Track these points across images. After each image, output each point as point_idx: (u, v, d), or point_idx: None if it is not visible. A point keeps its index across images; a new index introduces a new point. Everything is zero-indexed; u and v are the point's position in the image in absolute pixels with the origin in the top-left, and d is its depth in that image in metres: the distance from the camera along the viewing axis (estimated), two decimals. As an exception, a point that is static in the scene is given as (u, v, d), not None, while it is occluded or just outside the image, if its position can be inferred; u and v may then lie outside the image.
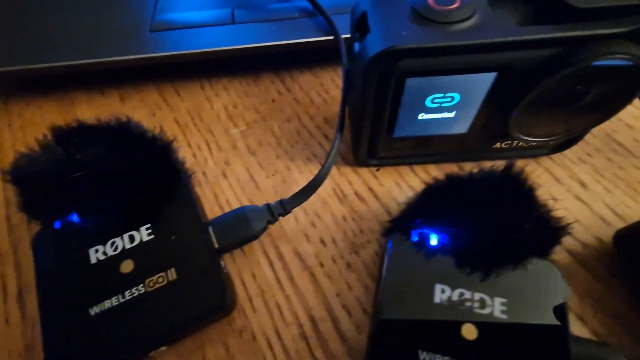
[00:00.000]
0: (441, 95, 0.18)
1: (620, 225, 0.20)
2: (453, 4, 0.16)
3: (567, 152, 0.23)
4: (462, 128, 0.20)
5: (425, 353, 0.14)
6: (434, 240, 0.16)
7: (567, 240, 0.20)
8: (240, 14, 0.27)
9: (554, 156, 0.23)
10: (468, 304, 0.15)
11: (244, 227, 0.18)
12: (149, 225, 0.18)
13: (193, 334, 0.18)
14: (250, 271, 0.20)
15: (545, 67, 0.16)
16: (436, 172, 0.23)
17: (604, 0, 0.15)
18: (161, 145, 0.19)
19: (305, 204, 0.22)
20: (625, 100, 0.18)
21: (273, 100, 0.27)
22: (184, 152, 0.24)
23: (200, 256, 0.17)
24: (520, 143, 0.22)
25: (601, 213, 0.21)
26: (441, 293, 0.15)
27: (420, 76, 0.17)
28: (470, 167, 0.23)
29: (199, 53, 0.25)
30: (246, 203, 0.22)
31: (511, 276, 0.15)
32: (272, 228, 0.21)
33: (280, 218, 0.21)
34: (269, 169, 0.24)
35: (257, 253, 0.20)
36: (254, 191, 0.23)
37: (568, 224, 0.16)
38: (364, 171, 0.23)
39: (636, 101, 0.25)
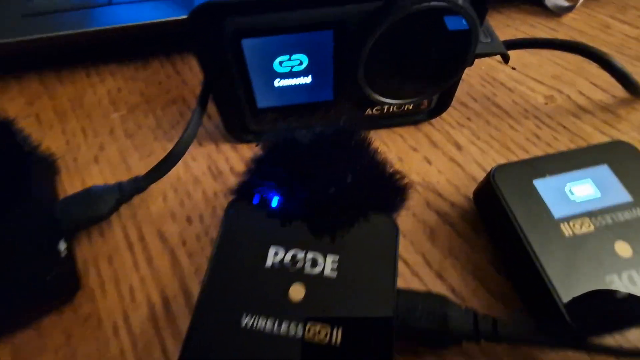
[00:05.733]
0: (287, 57, 0.18)
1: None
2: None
3: (447, 117, 0.23)
4: (326, 95, 0.20)
5: (248, 317, 0.14)
6: (274, 202, 0.16)
7: (436, 201, 0.20)
8: (120, -5, 0.26)
9: (434, 122, 0.23)
10: (300, 264, 0.14)
11: (89, 206, 0.17)
12: None
13: (32, 323, 0.17)
14: (107, 255, 0.19)
15: (373, 20, 0.16)
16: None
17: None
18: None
19: (176, 183, 0.21)
20: (464, 56, 0.17)
21: (160, 83, 0.26)
22: (56, 140, 0.23)
23: (39, 236, 0.16)
24: (392, 108, 0.21)
25: (473, 173, 0.21)
26: (274, 256, 0.15)
27: (254, 36, 0.16)
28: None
29: (70, 35, 0.24)
30: (115, 186, 0.21)
31: (348, 233, 0.15)
32: (138, 209, 0.20)
33: (147, 198, 0.20)
34: (144, 151, 0.22)
35: (117, 236, 0.19)
36: (124, 174, 0.21)
37: (408, 183, 0.16)
38: (244, 147, 0.22)
39: (517, 64, 0.26)
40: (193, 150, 0.22)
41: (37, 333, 0.17)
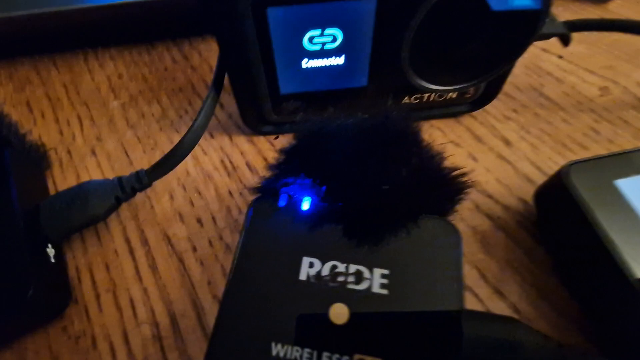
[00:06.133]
0: (319, 32, 0.15)
1: (546, 183, 0.17)
2: None
3: (491, 109, 0.21)
4: (360, 79, 0.17)
5: (279, 346, 0.11)
6: (305, 205, 0.13)
7: (486, 204, 0.17)
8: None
9: (476, 114, 0.20)
10: (341, 278, 0.12)
11: (83, 205, 0.15)
12: None
13: (12, 343, 0.14)
14: (103, 262, 0.16)
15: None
16: (346, 138, 0.20)
17: None
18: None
19: (184, 180, 0.18)
20: (529, 35, 0.15)
21: (166, 69, 0.23)
22: (48, 129, 0.21)
23: (22, 241, 0.14)
24: (433, 97, 0.19)
25: (525, 171, 0.18)
26: (309, 268, 0.12)
27: (282, 4, 0.14)
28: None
29: (63, 12, 0.21)
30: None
31: (399, 241, 0.12)
32: (140, 209, 0.17)
33: (151, 196, 0.17)
34: (148, 142, 0.20)
35: (117, 240, 0.16)
36: (125, 168, 0.19)
37: (467, 180, 0.13)
38: (261, 140, 0.20)
39: (564, 52, 0.24)
40: (204, 142, 0.20)
41: (19, 354, 0.14)
